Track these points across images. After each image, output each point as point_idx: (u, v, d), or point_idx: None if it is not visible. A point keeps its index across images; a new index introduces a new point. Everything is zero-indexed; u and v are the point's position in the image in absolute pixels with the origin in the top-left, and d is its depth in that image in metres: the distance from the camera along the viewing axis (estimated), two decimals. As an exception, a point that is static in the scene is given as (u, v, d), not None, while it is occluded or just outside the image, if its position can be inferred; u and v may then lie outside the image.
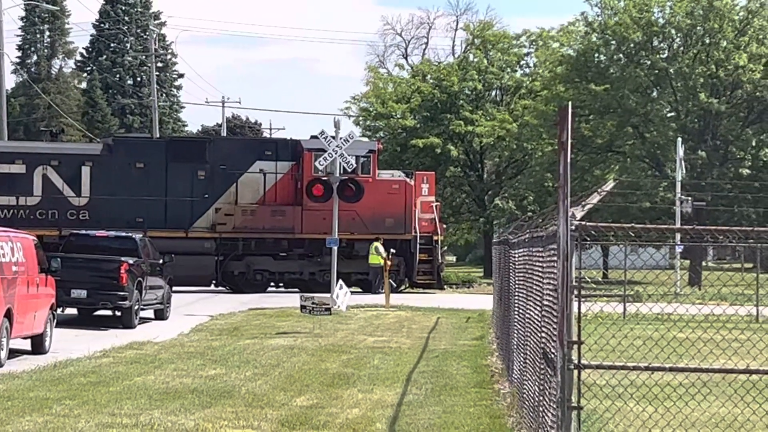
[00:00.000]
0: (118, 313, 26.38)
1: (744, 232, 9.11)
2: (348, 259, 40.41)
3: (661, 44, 59.66)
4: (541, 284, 10.43)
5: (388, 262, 36.86)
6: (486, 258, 63.26)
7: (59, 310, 23.97)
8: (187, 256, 38.12)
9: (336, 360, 19.80)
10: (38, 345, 20.55)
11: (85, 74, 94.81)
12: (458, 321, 29.77)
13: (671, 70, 56.74)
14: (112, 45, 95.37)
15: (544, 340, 9.77)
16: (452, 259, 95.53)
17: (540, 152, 61.09)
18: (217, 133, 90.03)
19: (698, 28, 57.43)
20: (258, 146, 43.52)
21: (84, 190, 40.45)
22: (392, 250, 39.83)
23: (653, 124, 57.16)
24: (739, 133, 57.28)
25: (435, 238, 42.55)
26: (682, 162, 50.28)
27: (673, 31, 58.64)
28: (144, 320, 27.60)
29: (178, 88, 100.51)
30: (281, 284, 42.16)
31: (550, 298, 9.25)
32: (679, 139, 51.30)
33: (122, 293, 25.54)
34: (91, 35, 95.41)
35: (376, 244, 39.75)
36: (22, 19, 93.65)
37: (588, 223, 8.41)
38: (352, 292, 34.78)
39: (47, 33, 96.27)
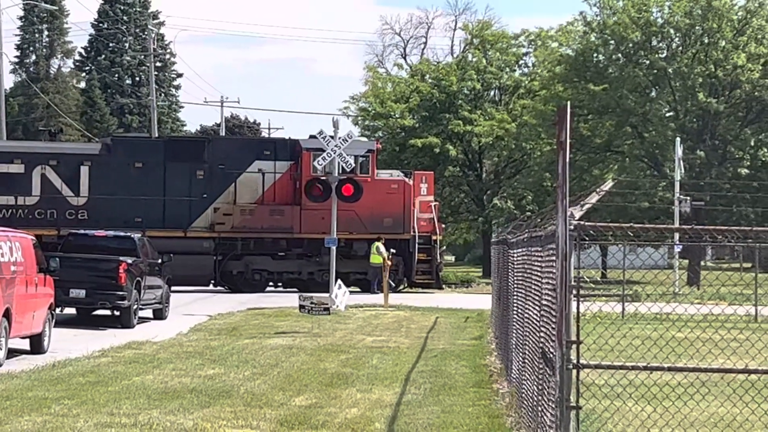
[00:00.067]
0: (117, 313, 26.38)
1: (743, 231, 9.11)
2: (347, 258, 40.42)
3: (660, 44, 59.68)
4: (539, 284, 10.43)
5: (389, 262, 36.86)
6: (485, 258, 63.23)
7: (58, 310, 23.96)
8: (185, 255, 38.10)
9: (335, 360, 19.80)
10: (37, 345, 20.55)
11: (83, 74, 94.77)
12: (457, 321, 29.77)
13: (670, 70, 56.76)
14: (110, 45, 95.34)
15: (542, 339, 9.77)
16: (451, 258, 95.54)
17: (539, 152, 61.09)
18: (215, 132, 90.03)
19: (697, 27, 57.45)
20: (257, 146, 43.52)
21: (82, 189, 40.44)
22: (392, 250, 39.85)
23: (652, 124, 57.16)
24: (737, 133, 57.31)
25: (434, 237, 42.55)
26: (681, 162, 50.29)
27: (671, 31, 58.66)
28: (143, 320, 27.59)
29: (177, 87, 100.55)
30: (280, 284, 42.16)
31: (549, 298, 9.25)
32: (678, 138, 51.32)
33: (121, 293, 25.54)
34: (89, 35, 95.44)
35: (377, 243, 39.74)
36: (20, 18, 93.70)
37: (587, 223, 8.41)
38: (350, 292, 34.78)
39: (46, 33, 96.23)
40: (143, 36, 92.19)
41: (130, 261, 26.10)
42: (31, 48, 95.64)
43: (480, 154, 68.61)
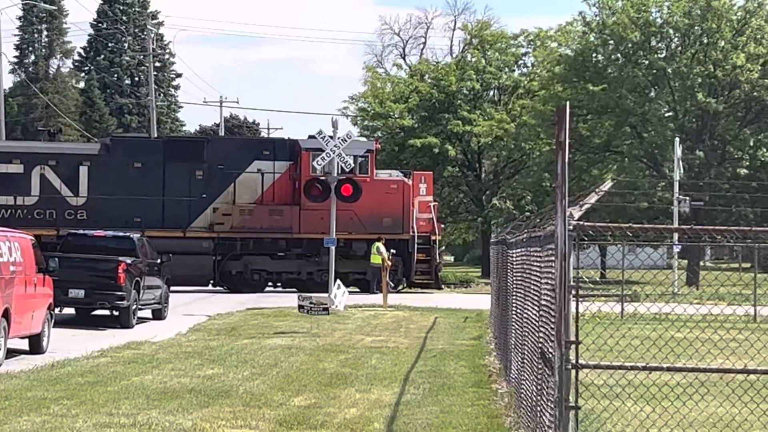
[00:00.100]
0: (116, 313, 26.38)
1: (742, 231, 9.11)
2: (346, 258, 40.44)
3: (659, 44, 59.69)
4: (539, 284, 10.43)
5: (388, 263, 36.86)
6: (484, 258, 63.26)
7: (57, 310, 23.96)
8: (184, 255, 38.10)
9: (334, 360, 19.80)
10: (36, 345, 20.54)
11: (82, 74, 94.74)
12: (456, 321, 29.77)
13: (669, 70, 56.76)
14: (109, 45, 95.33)
15: (541, 339, 9.77)
16: (450, 258, 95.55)
17: (538, 152, 61.10)
18: (214, 132, 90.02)
19: (696, 27, 57.47)
20: (256, 146, 43.52)
21: (82, 189, 40.43)
22: (392, 251, 39.85)
23: (651, 124, 57.17)
24: (736, 133, 57.32)
25: (433, 237, 42.56)
26: (680, 162, 50.30)
27: (671, 31, 58.66)
28: (142, 320, 27.59)
29: (176, 87, 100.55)
30: (279, 284, 42.16)
31: (548, 298, 9.25)
32: (677, 138, 51.33)
33: (120, 293, 25.54)
34: (88, 35, 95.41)
35: (378, 244, 39.71)
36: (19, 18, 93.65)
37: (586, 223, 8.41)
38: (349, 292, 34.78)
39: (45, 33, 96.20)
40: (142, 36, 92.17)
41: (129, 261, 26.10)
42: (30, 48, 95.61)
43: (479, 154, 68.63)
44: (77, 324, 26.22)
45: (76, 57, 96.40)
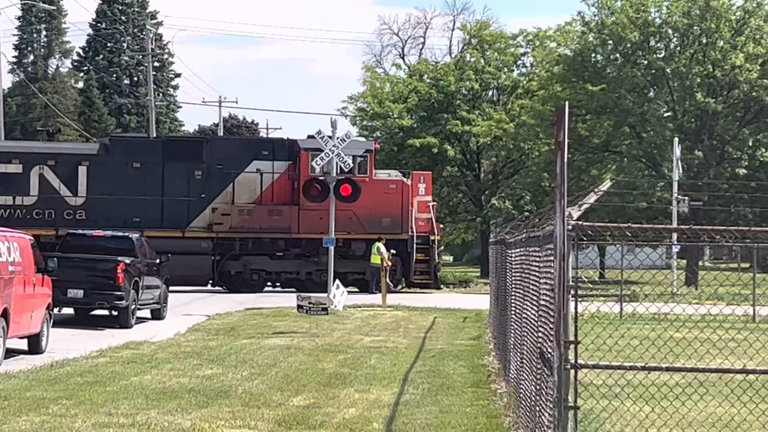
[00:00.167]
0: (115, 313, 26.37)
1: (741, 231, 9.11)
2: (345, 258, 40.44)
3: (658, 44, 59.70)
4: (537, 284, 10.43)
5: (388, 263, 36.84)
6: (483, 258, 63.25)
7: (56, 310, 23.95)
8: (183, 255, 38.09)
9: (333, 360, 19.80)
10: (35, 345, 20.53)
11: (81, 74, 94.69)
12: (455, 321, 29.77)
13: (668, 70, 56.77)
14: (108, 44, 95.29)
15: (540, 339, 9.77)
16: (449, 258, 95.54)
17: (537, 152, 61.11)
18: (213, 132, 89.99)
19: (695, 27, 57.47)
20: (255, 146, 43.52)
21: (81, 189, 40.43)
22: (392, 251, 39.85)
23: (650, 124, 57.18)
24: (735, 133, 57.33)
25: (432, 237, 42.56)
26: (679, 162, 50.31)
27: (670, 31, 58.66)
28: (141, 320, 27.59)
29: (175, 87, 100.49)
30: (278, 284, 42.15)
31: (547, 298, 9.26)
32: (676, 139, 51.34)
33: (119, 293, 25.54)
34: (87, 35, 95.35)
35: (378, 244, 39.69)
36: (18, 18, 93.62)
37: (585, 223, 8.41)
38: (348, 292, 34.77)
39: (44, 32, 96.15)
40: (141, 36, 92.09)
41: (128, 261, 26.10)
42: (29, 48, 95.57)
43: (478, 154, 68.64)
44: (76, 324, 26.22)
45: (75, 57, 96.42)
